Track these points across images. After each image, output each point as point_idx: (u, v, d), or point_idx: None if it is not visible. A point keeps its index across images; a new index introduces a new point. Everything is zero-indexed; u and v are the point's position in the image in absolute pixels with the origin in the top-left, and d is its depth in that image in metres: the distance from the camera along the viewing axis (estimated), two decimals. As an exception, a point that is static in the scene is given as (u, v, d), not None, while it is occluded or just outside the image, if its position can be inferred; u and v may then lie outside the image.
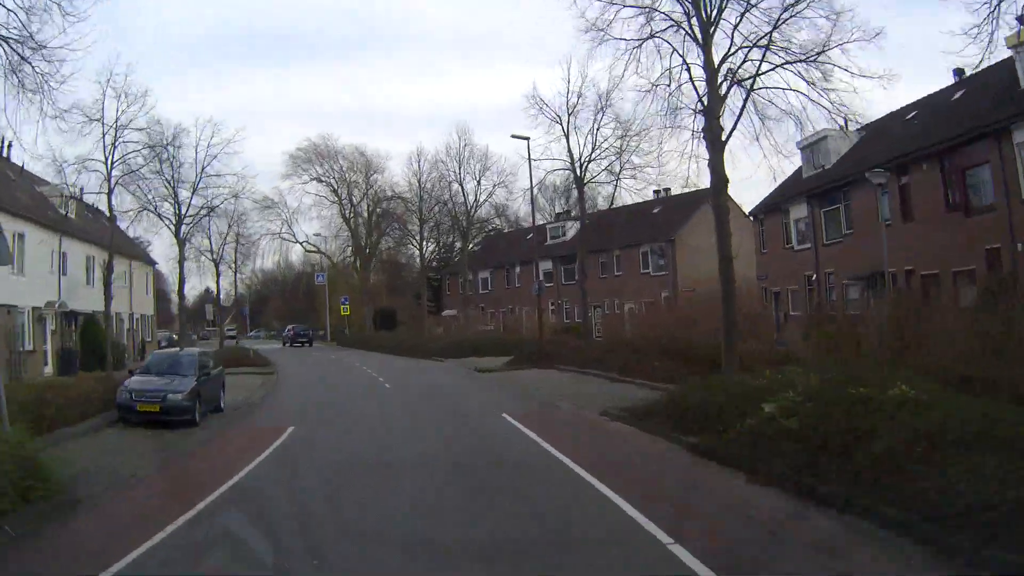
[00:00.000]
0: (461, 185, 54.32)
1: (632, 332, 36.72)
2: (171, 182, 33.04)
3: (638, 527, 7.93)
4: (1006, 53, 21.81)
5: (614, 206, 36.37)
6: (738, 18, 19.19)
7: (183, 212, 33.72)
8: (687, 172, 22.32)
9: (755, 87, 19.39)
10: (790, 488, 9.38)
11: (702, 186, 19.86)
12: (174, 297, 50.55)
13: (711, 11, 19.04)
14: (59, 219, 32.26)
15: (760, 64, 19.44)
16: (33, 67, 14.54)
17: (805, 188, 34.38)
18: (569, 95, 32.94)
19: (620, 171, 32.63)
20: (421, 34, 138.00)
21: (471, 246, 62.41)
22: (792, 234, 35.84)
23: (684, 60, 19.39)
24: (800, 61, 19.50)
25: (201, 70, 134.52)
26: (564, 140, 33.18)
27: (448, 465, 11.82)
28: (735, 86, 19.69)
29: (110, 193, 23.38)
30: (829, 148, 34.12)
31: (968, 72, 26.51)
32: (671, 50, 19.51)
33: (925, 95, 31.06)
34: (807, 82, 19.50)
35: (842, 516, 8.13)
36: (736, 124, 19.09)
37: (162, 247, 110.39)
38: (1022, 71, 22.16)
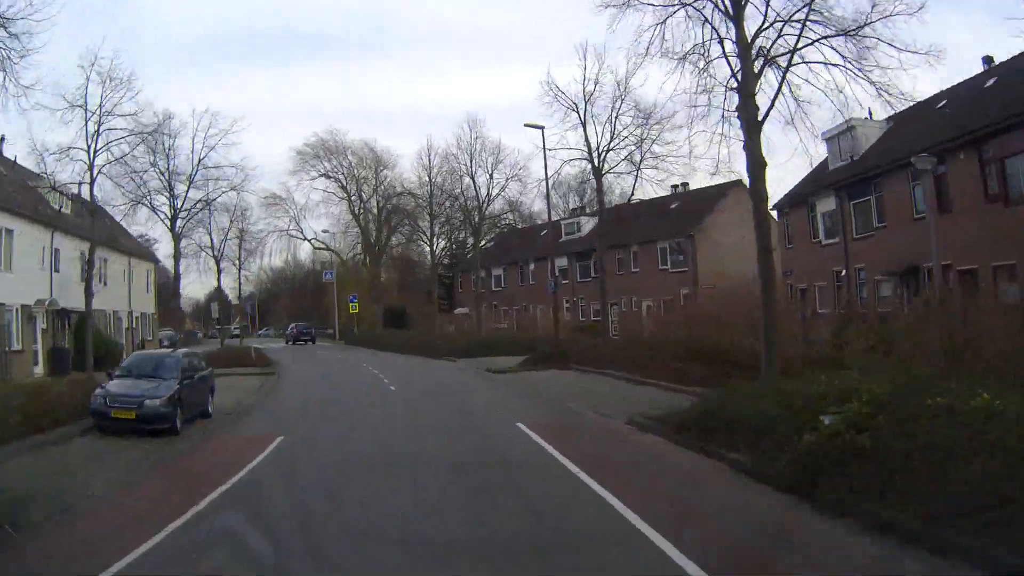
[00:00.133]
0: (473, 179, 52.48)
1: (651, 330, 35.46)
2: (165, 174, 31.51)
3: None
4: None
5: (631, 200, 34.46)
6: (771, -12, 17.39)
7: (179, 206, 32.08)
8: (716, 157, 20.71)
9: (792, 63, 17.62)
10: (867, 523, 7.69)
11: (733, 172, 18.25)
12: (183, 294, 49.25)
13: (742, -20, 17.28)
14: (52, 215, 30.91)
15: (797, 40, 17.67)
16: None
17: (833, 180, 33.14)
18: (586, 82, 31.13)
19: (641, 160, 30.82)
20: (427, 33, 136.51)
21: (484, 243, 60.73)
22: (819, 228, 34.50)
23: (716, 32, 17.66)
24: (840, 35, 17.71)
25: (201, 70, 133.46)
26: (581, 129, 31.43)
27: (455, 508, 9.21)
28: (769, 65, 17.93)
29: (92, 183, 21.81)
30: (857, 138, 32.92)
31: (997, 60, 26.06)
32: (702, 21, 17.75)
33: (953, 84, 29.81)
34: (845, 59, 17.73)
35: (939, 561, 6.51)
36: (773, 103, 17.32)
37: (168, 244, 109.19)
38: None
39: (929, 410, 9.01)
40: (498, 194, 52.60)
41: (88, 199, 33.41)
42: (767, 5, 17.50)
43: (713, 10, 17.70)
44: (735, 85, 17.28)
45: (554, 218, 49.64)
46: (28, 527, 8.34)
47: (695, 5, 17.66)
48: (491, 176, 51.63)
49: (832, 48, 17.74)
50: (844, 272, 32.47)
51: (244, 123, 44.94)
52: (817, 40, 17.76)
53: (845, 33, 17.62)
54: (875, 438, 9.07)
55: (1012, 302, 19.01)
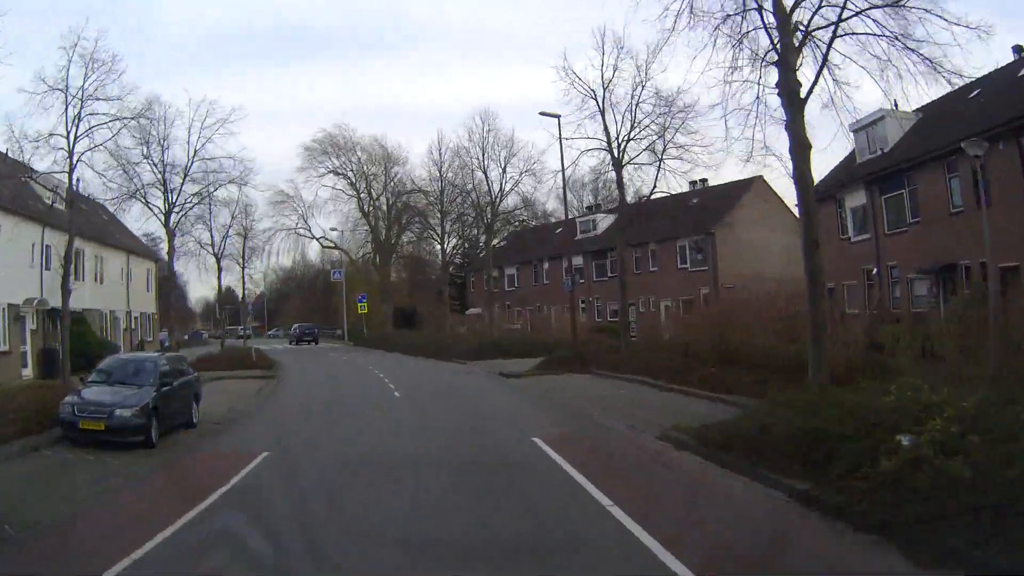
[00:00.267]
0: (485, 173, 50.63)
1: (672, 331, 33.80)
2: (159, 166, 29.96)
3: None
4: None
5: (654, 192, 32.61)
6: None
7: (174, 200, 30.46)
8: (751, 140, 18.98)
9: (836, 34, 15.91)
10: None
11: (774, 155, 16.45)
12: (190, 293, 47.74)
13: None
14: (44, 210, 29.47)
15: (841, 10, 15.96)
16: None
17: (862, 174, 31.70)
18: (604, 68, 29.26)
19: (664, 150, 28.96)
20: (434, 33, 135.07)
21: (496, 241, 59.00)
22: (848, 224, 33.07)
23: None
24: (887, 5, 16.00)
25: (201, 70, 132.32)
26: (599, 117, 29.50)
27: (458, 541, 7.66)
28: (809, 40, 16.24)
29: (71, 171, 20.25)
30: (887, 130, 31.42)
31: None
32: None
33: (983, 74, 28.41)
34: (891, 34, 16.02)
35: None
36: (817, 77, 15.62)
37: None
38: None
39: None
40: (511, 189, 50.82)
41: (76, 191, 32.19)
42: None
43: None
44: (775, 59, 15.61)
45: (568, 216, 47.97)
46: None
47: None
48: (504, 170, 49.84)
49: (875, 21, 16.19)
50: (876, 270, 31.19)
51: (243, 112, 43.21)
52: (860, 12, 16.15)
53: (893, 3, 15.96)
54: (973, 465, 7.38)
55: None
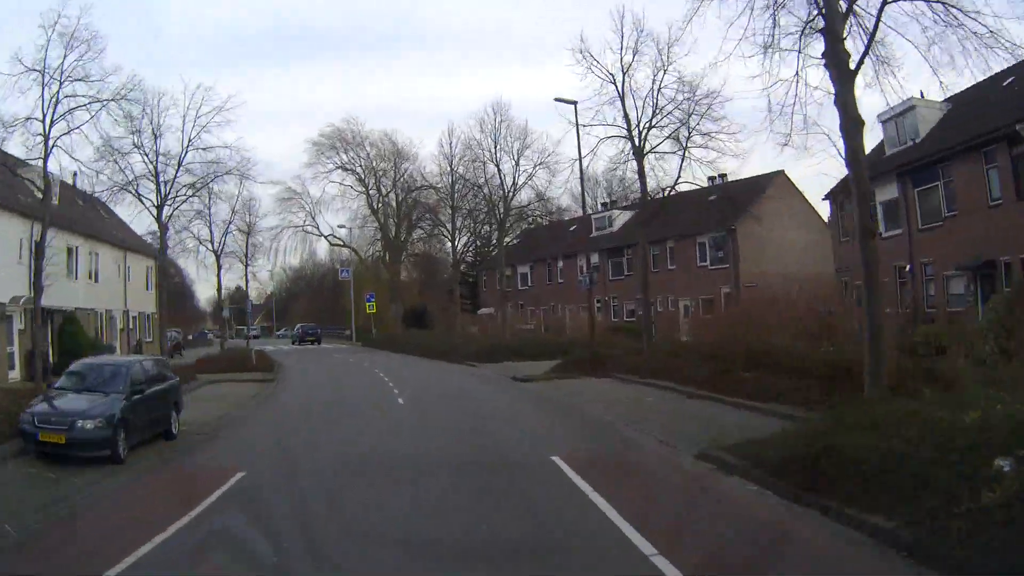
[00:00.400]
0: (498, 167, 48.54)
1: (691, 332, 32.14)
2: (150, 155, 28.44)
3: None
4: None
5: (677, 183, 30.81)
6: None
7: (166, 192, 28.95)
8: (790, 120, 17.46)
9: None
10: None
11: (823, 131, 14.84)
12: (197, 292, 46.33)
13: None
14: (33, 204, 28.09)
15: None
16: None
17: (893, 165, 30.39)
18: (623, 51, 27.51)
19: (689, 136, 27.18)
20: (438, 31, 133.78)
21: (509, 239, 57.30)
22: (879, 218, 31.44)
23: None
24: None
25: (201, 69, 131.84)
26: (618, 103, 27.71)
27: None
28: (851, 13, 14.62)
29: (46, 157, 18.78)
30: (917, 120, 30.38)
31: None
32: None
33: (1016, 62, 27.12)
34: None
35: None
36: (869, 45, 13.92)
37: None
38: None
39: None
40: (524, 183, 48.82)
41: (73, 184, 30.88)
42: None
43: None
44: (820, 25, 13.97)
45: (585, 209, 46.28)
46: None
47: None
48: (517, 163, 47.83)
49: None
50: (908, 267, 29.96)
51: (239, 100, 41.64)
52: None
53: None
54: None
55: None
